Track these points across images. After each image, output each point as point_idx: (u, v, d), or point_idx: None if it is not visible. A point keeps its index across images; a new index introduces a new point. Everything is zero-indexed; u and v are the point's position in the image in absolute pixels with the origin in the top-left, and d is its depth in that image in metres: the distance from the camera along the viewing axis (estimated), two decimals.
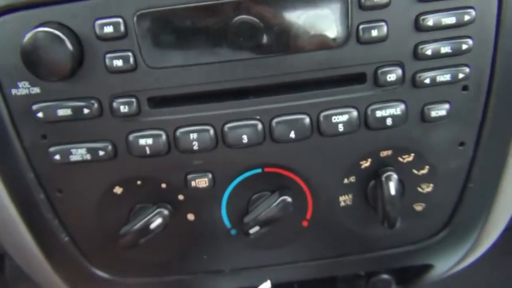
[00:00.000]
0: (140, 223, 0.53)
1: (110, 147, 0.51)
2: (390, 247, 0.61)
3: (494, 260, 0.79)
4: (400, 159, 0.55)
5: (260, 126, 0.51)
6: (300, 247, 0.60)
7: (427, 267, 0.66)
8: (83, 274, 0.59)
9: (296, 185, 0.55)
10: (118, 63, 0.47)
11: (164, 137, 0.50)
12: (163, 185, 0.54)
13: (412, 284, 0.71)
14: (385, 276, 0.68)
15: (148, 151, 0.50)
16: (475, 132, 0.54)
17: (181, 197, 0.54)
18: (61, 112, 0.49)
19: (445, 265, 0.67)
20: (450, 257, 0.65)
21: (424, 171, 0.56)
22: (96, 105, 0.49)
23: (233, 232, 0.57)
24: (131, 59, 0.47)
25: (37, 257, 0.58)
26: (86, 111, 0.49)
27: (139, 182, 0.53)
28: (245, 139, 0.51)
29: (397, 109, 0.51)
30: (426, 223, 0.59)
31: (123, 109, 0.49)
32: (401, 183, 0.56)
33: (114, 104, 0.49)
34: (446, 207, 0.59)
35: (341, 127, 0.51)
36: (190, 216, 0.56)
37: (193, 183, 0.53)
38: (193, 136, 0.50)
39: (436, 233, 0.61)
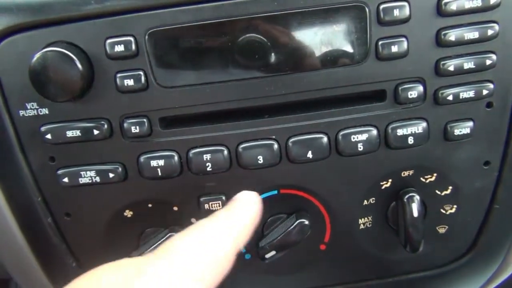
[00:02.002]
0: (151, 248, 0.50)
1: (120, 169, 0.49)
2: (411, 271, 0.58)
3: None
4: (422, 179, 0.52)
5: (276, 146, 0.49)
6: (318, 272, 0.57)
7: None
8: None
9: (313, 207, 0.53)
10: (129, 82, 0.46)
11: (176, 158, 0.48)
12: (175, 208, 0.52)
13: None
14: None
15: (159, 173, 0.48)
16: (500, 151, 0.52)
17: (193, 220, 0.52)
18: (70, 134, 0.47)
19: None
20: (474, 282, 0.62)
21: (447, 192, 0.53)
22: (106, 126, 0.47)
23: (247, 256, 0.55)
24: (143, 78, 0.46)
25: (44, 283, 0.56)
26: (95, 132, 0.47)
27: (150, 205, 0.51)
28: (260, 159, 0.49)
29: (419, 127, 0.49)
30: (449, 246, 0.57)
31: (134, 129, 0.47)
32: (423, 204, 0.53)
33: (125, 125, 0.47)
34: (470, 229, 0.56)
35: (360, 147, 0.49)
36: None
37: (206, 206, 0.51)
38: (207, 157, 0.48)
39: (460, 257, 0.58)
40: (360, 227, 0.54)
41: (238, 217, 0.41)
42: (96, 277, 0.35)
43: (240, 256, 0.55)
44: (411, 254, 0.54)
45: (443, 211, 0.54)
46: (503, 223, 0.56)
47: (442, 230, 0.55)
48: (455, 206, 0.54)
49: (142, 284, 0.33)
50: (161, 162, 0.48)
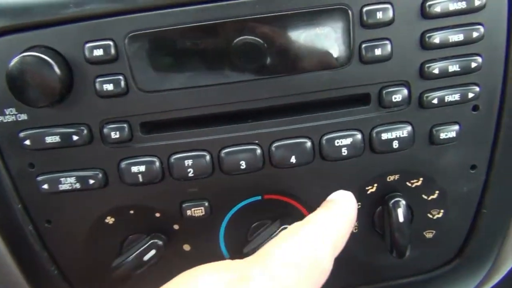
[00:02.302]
0: (133, 255, 0.50)
1: (100, 175, 0.48)
2: (398, 277, 0.58)
3: None
4: (408, 183, 0.52)
5: (259, 151, 0.48)
6: None
7: None
8: None
9: (298, 213, 0.52)
10: (109, 87, 0.45)
11: (157, 164, 0.48)
12: (157, 215, 0.51)
13: None
14: None
15: (140, 179, 0.48)
16: (487, 155, 0.51)
17: (176, 226, 0.51)
18: (49, 140, 0.47)
19: None
20: (464, 287, 0.61)
21: (434, 196, 0.52)
22: (85, 131, 0.46)
23: None
24: (122, 83, 0.45)
25: None
26: (75, 138, 0.46)
27: (131, 212, 0.51)
28: (243, 165, 0.48)
29: (404, 131, 0.48)
30: (437, 251, 0.56)
31: (114, 135, 0.47)
32: (409, 209, 0.53)
33: (105, 130, 0.47)
34: (458, 234, 0.55)
35: (344, 151, 0.48)
36: (186, 247, 0.52)
37: (188, 212, 0.50)
38: (188, 162, 0.48)
39: (448, 262, 0.57)
40: None
41: (337, 221, 0.39)
42: (193, 279, 0.33)
43: None
44: (397, 259, 0.53)
45: (430, 216, 0.53)
46: (491, 228, 0.55)
47: (429, 235, 0.55)
48: (442, 210, 0.53)
49: None
50: (142, 168, 0.48)
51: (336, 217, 0.39)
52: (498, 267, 0.59)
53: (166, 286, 0.34)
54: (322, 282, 0.35)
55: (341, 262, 0.56)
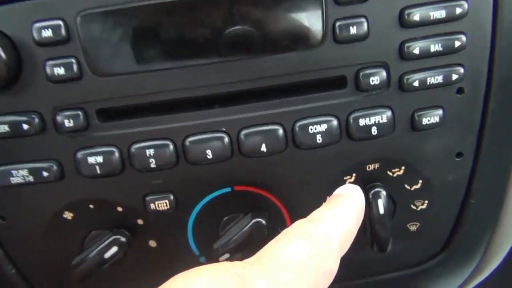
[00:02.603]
0: (94, 252, 0.46)
1: (55, 167, 0.44)
2: (381, 272, 0.54)
3: (498, 283, 0.72)
4: (389, 173, 0.48)
5: (226, 139, 0.44)
6: None
7: None
8: None
9: (272, 205, 0.48)
10: (60, 71, 0.41)
11: (116, 154, 0.44)
12: (119, 209, 0.47)
13: None
14: None
15: (99, 171, 0.44)
16: (473, 141, 0.48)
17: (140, 221, 0.48)
18: None
19: None
20: (450, 282, 0.58)
21: (417, 186, 0.49)
22: (37, 119, 0.43)
23: (202, 260, 0.50)
24: (75, 67, 0.41)
25: None
26: (26, 126, 0.43)
27: (91, 206, 0.47)
28: (209, 154, 0.44)
29: (383, 117, 0.45)
30: (421, 244, 0.53)
31: (69, 123, 0.43)
32: (391, 200, 0.49)
33: (58, 118, 0.43)
34: (444, 226, 0.52)
35: (319, 138, 0.45)
36: (152, 243, 0.49)
37: (152, 206, 0.46)
38: (150, 152, 0.44)
39: (434, 256, 0.54)
40: None
41: (344, 218, 0.36)
42: (189, 284, 0.30)
43: (194, 260, 0.51)
44: (379, 254, 0.50)
45: (414, 207, 0.50)
46: (479, 219, 0.52)
47: (413, 227, 0.51)
48: (426, 201, 0.50)
49: None
50: (100, 159, 0.44)
51: (342, 215, 0.37)
52: (487, 261, 0.55)
53: (169, 283, 0.31)
54: (327, 285, 0.33)
55: None
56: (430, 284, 0.57)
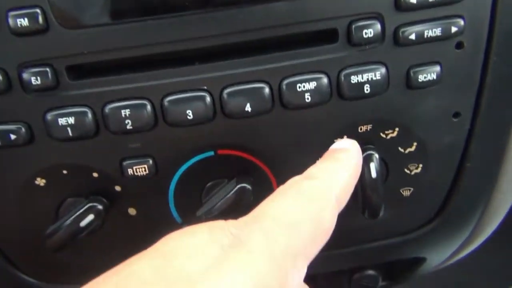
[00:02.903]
0: (68, 221, 0.43)
1: (24, 130, 0.41)
2: (374, 239, 0.52)
3: (493, 249, 0.70)
4: (383, 135, 0.45)
5: (208, 98, 0.41)
6: None
7: (418, 261, 0.58)
8: (10, 282, 0.50)
9: (257, 170, 0.46)
10: (24, 22, 0.38)
11: (89, 115, 0.41)
12: (95, 174, 0.44)
13: (402, 279, 0.62)
14: (371, 272, 0.59)
15: (71, 133, 0.41)
16: (472, 100, 0.45)
17: (118, 188, 0.45)
18: None
19: (438, 257, 0.58)
20: (445, 249, 0.56)
21: (412, 149, 0.46)
22: (1, 77, 0.39)
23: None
24: (40, 17, 0.38)
25: None
26: None
27: (65, 172, 0.44)
28: (190, 115, 0.41)
29: (377, 73, 0.42)
30: (415, 210, 0.50)
31: (36, 81, 0.39)
32: (384, 164, 0.47)
33: (24, 76, 0.39)
34: (439, 191, 0.50)
35: (308, 97, 0.41)
36: (131, 211, 0.46)
37: (130, 171, 0.43)
38: (126, 112, 0.41)
39: (428, 222, 0.52)
40: None
41: (341, 174, 0.35)
42: (184, 239, 0.30)
43: (176, 228, 0.48)
44: (371, 220, 0.48)
45: (408, 172, 0.48)
46: (475, 183, 0.49)
47: (406, 192, 0.49)
48: (420, 165, 0.47)
49: (240, 260, 0.28)
50: (72, 120, 0.41)
51: (340, 170, 0.36)
52: (482, 227, 0.54)
53: (162, 242, 0.31)
54: (324, 243, 0.33)
55: None
56: (425, 251, 0.56)
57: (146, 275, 0.28)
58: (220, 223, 0.31)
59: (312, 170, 0.36)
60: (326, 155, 0.38)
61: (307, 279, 0.68)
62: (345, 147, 0.38)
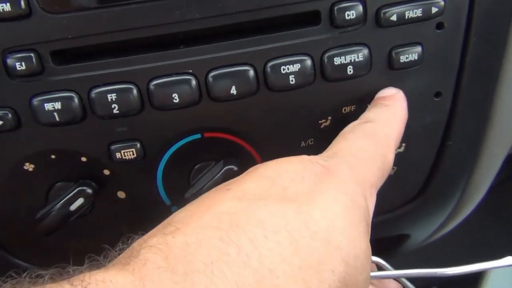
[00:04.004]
0: (58, 205, 0.44)
1: (10, 115, 0.41)
2: None
3: (474, 224, 0.73)
4: None
5: (194, 81, 0.41)
6: None
7: (402, 237, 0.59)
8: (1, 265, 0.50)
9: (244, 152, 0.46)
10: (6, 7, 0.37)
11: (76, 100, 0.41)
12: (83, 159, 0.45)
13: (387, 255, 0.64)
14: None
15: (57, 118, 0.41)
16: (453, 79, 0.46)
17: (106, 172, 0.45)
18: None
19: (422, 234, 0.60)
20: (428, 225, 0.58)
21: None
22: None
23: (174, 209, 0.49)
24: (22, 2, 0.37)
25: None
26: None
27: (53, 157, 0.44)
28: (176, 98, 0.41)
29: (359, 55, 0.42)
30: (399, 189, 0.52)
31: (20, 66, 0.39)
32: None
33: (8, 61, 0.39)
34: (421, 169, 0.51)
35: (292, 79, 0.42)
36: (121, 194, 0.47)
37: (118, 155, 0.44)
38: (112, 97, 0.41)
39: (411, 200, 0.53)
40: None
41: (395, 118, 0.41)
42: (282, 166, 0.35)
43: (166, 210, 0.49)
44: None
45: None
46: (456, 162, 0.51)
47: (391, 171, 0.50)
48: (403, 144, 0.48)
49: (335, 182, 0.33)
50: (58, 105, 0.41)
51: (392, 115, 0.41)
52: (464, 204, 0.55)
53: (261, 167, 0.35)
54: (387, 176, 0.39)
55: None
56: (407, 228, 0.57)
57: (256, 192, 0.32)
58: (306, 157, 0.36)
59: (368, 115, 0.41)
60: (375, 102, 0.43)
61: None
62: (391, 93, 0.43)
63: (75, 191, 0.44)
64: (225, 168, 0.44)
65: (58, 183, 0.46)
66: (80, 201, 0.44)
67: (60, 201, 0.44)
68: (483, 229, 1.03)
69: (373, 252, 0.63)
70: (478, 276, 1.00)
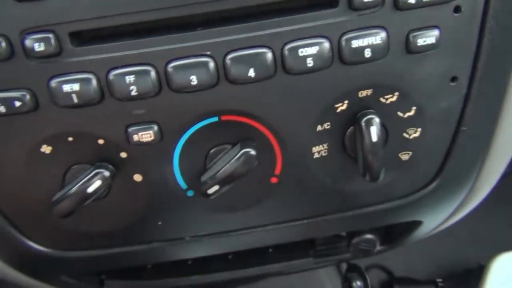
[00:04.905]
0: (75, 187, 0.44)
1: (28, 97, 0.41)
2: (373, 203, 0.54)
3: (487, 211, 0.72)
4: (382, 99, 0.46)
5: (212, 64, 0.41)
6: (270, 207, 0.52)
7: (415, 224, 0.59)
8: (18, 249, 0.51)
9: (261, 135, 0.46)
10: None
11: (94, 81, 0.41)
12: (101, 141, 0.45)
13: (398, 243, 0.64)
14: (369, 236, 0.61)
15: (75, 100, 0.41)
16: (469, 64, 0.46)
17: (123, 154, 0.45)
18: None
19: (434, 220, 0.60)
20: (441, 212, 0.58)
21: (411, 114, 0.47)
22: (4, 43, 0.39)
23: (190, 193, 0.49)
24: None
25: None
26: None
27: (70, 139, 0.44)
28: (194, 80, 0.42)
29: (377, 38, 0.42)
30: (413, 174, 0.52)
31: (39, 47, 0.40)
32: (384, 128, 0.48)
33: (27, 42, 0.39)
34: (436, 155, 0.51)
35: (310, 62, 0.42)
36: (137, 177, 0.47)
37: (135, 137, 0.44)
38: (130, 79, 0.41)
39: (425, 186, 0.53)
40: (315, 156, 0.48)
41: None
42: None
43: (181, 193, 0.49)
44: (371, 184, 0.49)
45: (406, 136, 0.49)
46: (471, 147, 0.51)
47: (405, 156, 0.50)
48: (419, 129, 0.48)
49: None
50: (76, 87, 0.41)
51: None
52: (478, 188, 0.55)
53: None
54: None
55: (308, 189, 0.52)
56: (420, 215, 0.57)
57: None
58: None
59: None
60: None
61: (306, 244, 0.69)
62: None
63: (92, 173, 0.44)
64: (242, 151, 0.44)
65: (75, 166, 0.46)
66: (97, 183, 0.44)
67: (78, 183, 0.44)
68: (486, 222, 1.03)
69: (382, 239, 0.64)
70: (481, 269, 1.01)
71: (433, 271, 1.18)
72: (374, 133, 0.45)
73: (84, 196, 0.44)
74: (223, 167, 0.45)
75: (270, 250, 0.67)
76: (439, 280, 1.09)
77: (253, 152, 0.45)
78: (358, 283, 0.76)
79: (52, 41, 0.39)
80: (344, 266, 1.18)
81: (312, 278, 1.01)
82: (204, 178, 0.46)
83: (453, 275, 1.12)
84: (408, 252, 1.16)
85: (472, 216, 0.64)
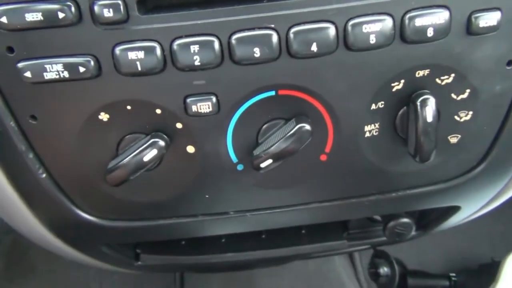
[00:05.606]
0: (131, 155, 0.44)
1: (92, 63, 0.41)
2: (417, 186, 0.54)
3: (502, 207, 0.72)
4: (438, 80, 0.46)
5: (275, 37, 0.42)
6: (315, 186, 0.52)
7: (453, 210, 0.60)
8: (66, 217, 0.51)
9: (315, 112, 0.47)
10: None
11: (158, 50, 0.41)
12: (158, 111, 0.45)
13: (433, 227, 0.64)
14: (406, 220, 0.61)
15: (139, 68, 0.41)
16: None
17: (179, 125, 0.46)
18: (30, 17, 0.39)
19: (472, 207, 0.61)
20: (481, 197, 0.58)
21: (464, 96, 0.47)
22: (73, 8, 0.39)
23: (240, 167, 0.49)
24: None
25: (11, 198, 0.50)
26: (61, 15, 0.39)
27: (129, 107, 0.45)
28: (257, 53, 0.42)
29: (440, 17, 0.42)
30: (460, 158, 0.52)
31: (108, 13, 0.40)
32: (436, 109, 0.48)
33: (96, 8, 0.39)
34: (484, 139, 0.51)
35: (373, 39, 0.42)
36: (190, 149, 0.47)
37: (193, 108, 0.44)
38: (194, 49, 0.41)
39: (470, 170, 0.53)
40: (366, 135, 0.48)
41: None
42: None
43: (232, 167, 0.49)
44: (417, 166, 0.49)
45: (457, 118, 0.49)
46: None
47: (453, 139, 0.50)
48: (470, 112, 0.49)
49: None
50: (141, 55, 0.41)
51: None
52: None
53: None
54: None
55: (355, 169, 0.52)
56: (459, 200, 0.58)
57: None
58: None
59: None
60: None
61: (338, 228, 0.70)
62: None
63: (149, 142, 0.45)
64: (297, 126, 0.45)
65: (128, 135, 0.47)
66: (153, 152, 0.45)
67: (133, 151, 0.45)
68: (501, 218, 1.03)
69: (416, 224, 0.64)
70: (495, 264, 1.01)
71: (446, 265, 1.18)
72: (430, 113, 0.45)
73: (139, 165, 0.45)
74: (278, 141, 0.45)
75: (303, 231, 0.68)
76: (452, 274, 1.09)
77: (308, 127, 0.45)
78: (385, 269, 0.77)
79: (121, 8, 0.40)
80: (357, 257, 1.19)
81: (328, 269, 1.02)
82: (257, 151, 0.46)
83: (467, 270, 1.12)
84: (421, 245, 1.16)
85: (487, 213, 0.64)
